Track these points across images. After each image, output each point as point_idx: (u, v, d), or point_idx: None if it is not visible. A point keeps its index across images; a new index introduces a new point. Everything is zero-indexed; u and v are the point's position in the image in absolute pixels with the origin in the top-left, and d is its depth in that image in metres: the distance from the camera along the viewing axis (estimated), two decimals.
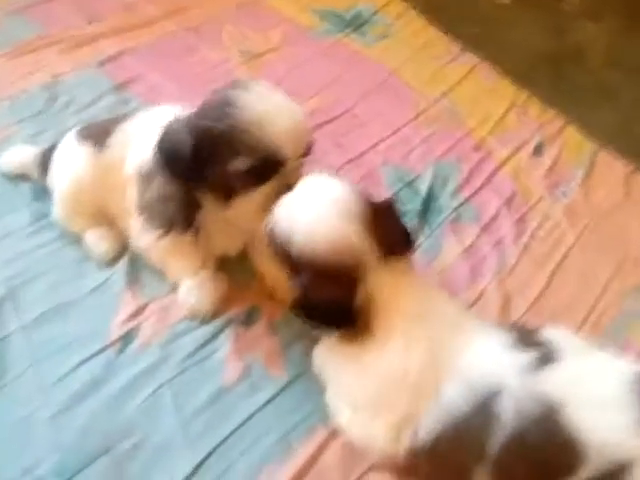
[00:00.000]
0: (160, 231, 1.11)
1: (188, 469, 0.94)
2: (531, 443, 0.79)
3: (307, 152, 1.05)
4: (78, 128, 1.24)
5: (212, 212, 1.08)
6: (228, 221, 1.08)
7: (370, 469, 0.97)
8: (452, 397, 0.83)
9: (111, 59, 1.69)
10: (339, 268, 0.87)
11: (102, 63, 1.67)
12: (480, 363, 0.85)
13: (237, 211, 1.04)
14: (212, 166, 0.99)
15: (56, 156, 1.23)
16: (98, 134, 1.17)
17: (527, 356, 0.83)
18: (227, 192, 1.02)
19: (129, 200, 1.14)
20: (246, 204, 1.02)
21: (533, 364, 0.82)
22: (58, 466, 0.93)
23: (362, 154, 1.53)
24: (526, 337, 0.88)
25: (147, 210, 1.12)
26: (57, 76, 1.62)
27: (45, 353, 1.06)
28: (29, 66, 1.64)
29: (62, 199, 1.21)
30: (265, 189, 1.01)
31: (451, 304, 0.95)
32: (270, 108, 0.99)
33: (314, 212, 0.89)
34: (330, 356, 0.99)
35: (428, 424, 0.84)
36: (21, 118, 1.49)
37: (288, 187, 0.95)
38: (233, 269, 1.20)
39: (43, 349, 1.07)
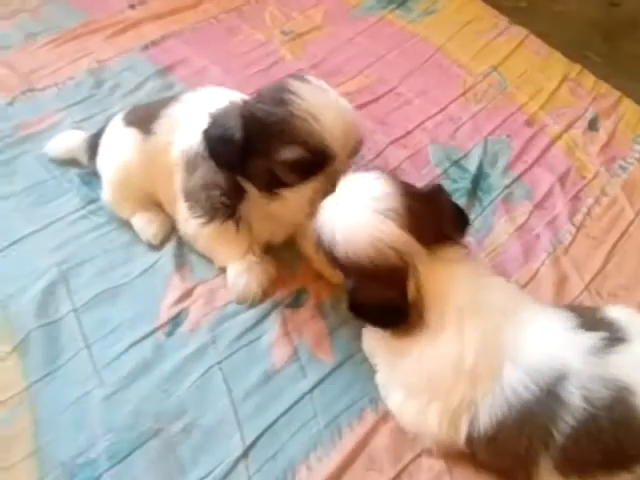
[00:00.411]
0: (204, 219, 1.11)
1: (238, 452, 0.94)
2: (602, 429, 0.76)
3: (356, 151, 1.03)
4: (124, 112, 1.24)
5: (256, 203, 1.07)
6: (271, 213, 1.07)
7: (421, 454, 0.95)
8: (513, 383, 0.81)
9: (155, 43, 1.70)
10: (385, 269, 0.86)
11: (146, 47, 1.68)
12: (542, 347, 0.82)
13: (280, 204, 1.02)
14: (261, 154, 0.98)
15: (103, 141, 1.23)
16: (144, 118, 1.17)
17: (592, 338, 0.80)
18: (272, 183, 1.00)
19: (176, 185, 1.14)
20: (290, 199, 1.00)
21: (600, 346, 0.79)
22: (111, 448, 0.94)
23: (408, 133, 1.49)
24: (589, 318, 0.85)
25: (191, 197, 1.12)
26: (102, 62, 1.63)
27: (97, 336, 1.07)
28: (74, 53, 1.65)
29: (110, 184, 1.21)
30: (311, 185, 0.98)
31: (507, 288, 0.92)
32: (325, 102, 0.98)
33: (354, 215, 0.87)
34: (382, 340, 0.97)
35: (487, 410, 0.82)
36: (68, 104, 1.50)
37: (333, 186, 0.93)
38: (280, 252, 1.19)
39: (95, 332, 1.08)
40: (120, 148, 1.18)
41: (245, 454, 0.94)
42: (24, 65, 1.60)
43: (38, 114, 1.47)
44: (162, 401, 0.99)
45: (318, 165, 0.97)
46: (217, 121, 1.01)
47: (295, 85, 0.98)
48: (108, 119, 1.27)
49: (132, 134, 1.17)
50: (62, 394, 1.00)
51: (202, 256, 1.18)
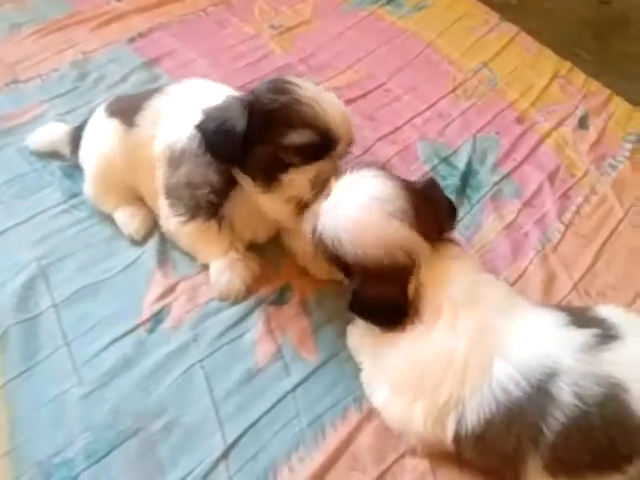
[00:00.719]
0: (185, 217, 1.09)
1: (219, 451, 0.92)
2: (594, 426, 0.75)
3: (353, 141, 1.04)
4: (107, 103, 1.22)
5: (242, 200, 1.06)
6: (258, 210, 1.05)
7: (405, 454, 0.93)
8: (503, 380, 0.79)
9: (141, 35, 1.68)
10: (392, 268, 0.86)
11: (132, 40, 1.66)
12: (533, 344, 0.81)
13: (274, 196, 1.00)
14: (264, 141, 0.97)
15: (86, 132, 1.21)
16: (127, 109, 1.15)
17: (584, 335, 0.79)
18: (273, 169, 0.99)
19: (157, 181, 1.12)
20: (292, 182, 0.98)
21: (591, 343, 0.78)
22: (88, 447, 0.92)
23: (397, 129, 1.47)
24: (579, 316, 0.84)
25: (173, 194, 1.10)
26: (87, 53, 1.61)
27: (77, 332, 1.05)
28: (59, 44, 1.63)
29: (92, 176, 1.19)
30: (313, 168, 0.98)
31: (499, 286, 0.92)
32: (322, 92, 1.01)
33: (363, 216, 0.87)
34: (368, 337, 0.96)
35: (475, 408, 0.81)
36: (51, 96, 1.48)
37: (325, 180, 0.94)
38: (264, 249, 1.17)
39: (75, 328, 1.05)
40: (102, 139, 1.16)
41: (226, 454, 0.92)
42: (8, 56, 1.58)
43: (21, 106, 1.44)
44: (142, 399, 0.97)
45: (323, 149, 0.97)
46: (212, 114, 1.00)
47: (290, 78, 1.01)
48: (92, 112, 1.25)
49: (114, 125, 1.14)
50: (40, 392, 0.97)
51: (185, 252, 1.16)
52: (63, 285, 1.11)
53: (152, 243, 1.18)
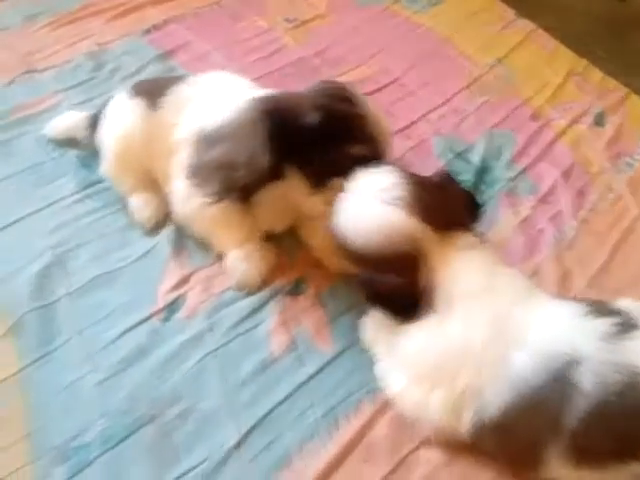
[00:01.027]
0: (211, 198, 1.08)
1: (233, 440, 0.92)
2: (615, 414, 0.74)
3: None
4: (131, 85, 1.22)
5: (271, 191, 1.06)
6: (283, 202, 1.07)
7: (420, 447, 0.93)
8: (523, 368, 0.79)
9: (156, 28, 1.68)
10: (398, 257, 0.87)
11: (147, 32, 1.66)
12: (553, 332, 0.81)
13: (318, 198, 1.03)
14: (329, 145, 0.99)
15: (107, 111, 1.21)
16: (152, 92, 1.16)
17: (604, 323, 0.79)
18: (327, 174, 1.01)
19: (176, 164, 1.12)
20: (335, 190, 0.98)
21: (612, 332, 0.77)
22: (105, 433, 0.92)
23: (412, 124, 1.47)
24: (598, 307, 0.83)
25: (200, 175, 1.08)
26: (102, 45, 1.61)
27: (92, 320, 1.05)
28: (74, 35, 1.64)
29: (111, 154, 1.19)
30: None
31: (516, 277, 0.91)
32: (379, 112, 1.05)
33: (364, 207, 0.90)
34: (383, 327, 0.96)
35: (494, 397, 0.80)
36: (66, 87, 1.48)
37: None
38: (280, 240, 1.17)
39: (90, 316, 1.06)
40: (124, 118, 1.16)
41: (239, 443, 0.92)
42: (23, 47, 1.59)
43: (37, 96, 1.45)
44: (157, 387, 0.97)
45: (375, 161, 0.98)
46: (285, 107, 1.02)
47: (345, 85, 1.07)
48: (106, 102, 1.25)
49: (138, 105, 1.15)
50: (56, 378, 0.98)
51: (200, 242, 1.15)
52: (78, 273, 1.11)
53: (166, 233, 1.18)
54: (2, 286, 1.09)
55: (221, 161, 1.05)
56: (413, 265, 0.87)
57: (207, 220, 1.11)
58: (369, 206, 0.89)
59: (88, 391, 0.97)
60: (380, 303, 0.94)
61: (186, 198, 1.11)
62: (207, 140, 1.08)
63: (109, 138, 1.19)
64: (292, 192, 1.05)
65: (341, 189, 0.95)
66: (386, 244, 0.86)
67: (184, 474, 0.89)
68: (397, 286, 0.88)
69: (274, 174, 1.03)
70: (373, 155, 1.00)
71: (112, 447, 0.91)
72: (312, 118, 0.98)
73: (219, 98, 1.10)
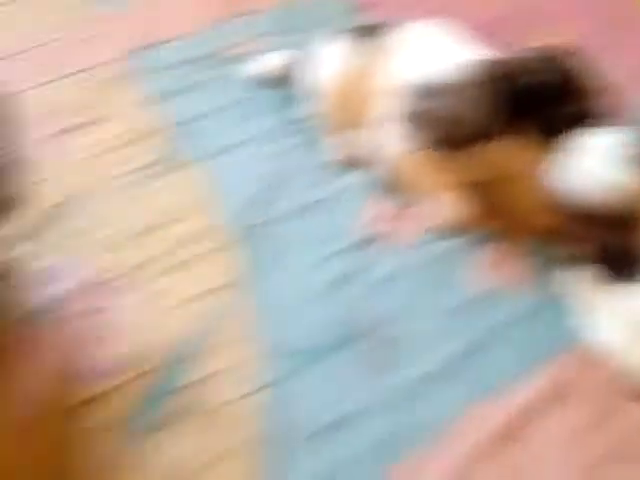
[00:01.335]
0: (425, 145, 1.10)
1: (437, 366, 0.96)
2: None
3: None
4: (348, 28, 1.27)
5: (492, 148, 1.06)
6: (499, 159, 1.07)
7: (633, 399, 0.92)
8: None
9: None
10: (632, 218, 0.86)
11: None
12: None
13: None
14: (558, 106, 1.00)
15: (321, 52, 1.27)
16: (368, 36, 1.22)
17: None
18: (556, 132, 1.00)
19: (388, 108, 1.16)
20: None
21: None
22: (324, 338, 0.99)
23: None
24: None
25: (417, 123, 1.11)
26: None
27: (302, 243, 1.13)
28: None
29: (325, 92, 1.24)
30: None
31: None
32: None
33: (600, 167, 0.89)
34: (596, 283, 0.96)
35: None
36: (264, 32, 1.55)
37: None
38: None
39: (299, 240, 1.13)
40: (341, 59, 1.22)
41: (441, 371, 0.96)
42: None
43: (238, 39, 1.53)
44: (363, 310, 1.02)
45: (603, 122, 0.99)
46: (515, 71, 1.04)
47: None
48: (311, 47, 1.30)
49: (353, 48, 1.21)
50: (275, 288, 1.06)
51: (399, 183, 1.19)
52: (283, 202, 1.19)
53: (364, 172, 1.22)
54: (220, 204, 1.19)
55: (444, 115, 1.08)
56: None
57: (417, 164, 1.14)
58: (603, 165, 0.88)
59: (302, 303, 1.04)
60: (605, 262, 0.93)
61: (398, 142, 1.15)
62: (429, 91, 1.10)
63: (323, 77, 1.25)
64: (513, 153, 1.06)
65: (567, 147, 0.95)
66: (618, 203, 0.86)
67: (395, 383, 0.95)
68: (627, 246, 0.88)
69: (498, 134, 1.05)
70: (595, 114, 0.99)
71: (330, 351, 0.97)
72: (547, 80, 1.00)
73: (441, 49, 1.12)
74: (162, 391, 0.94)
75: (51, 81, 1.45)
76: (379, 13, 1.59)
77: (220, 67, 1.47)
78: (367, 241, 1.12)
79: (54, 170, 1.25)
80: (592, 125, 0.96)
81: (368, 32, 1.23)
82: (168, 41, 1.55)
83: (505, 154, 1.07)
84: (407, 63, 1.15)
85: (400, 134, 1.13)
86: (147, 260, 1.11)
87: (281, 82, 1.38)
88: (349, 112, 1.23)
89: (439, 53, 1.13)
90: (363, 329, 0.99)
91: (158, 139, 1.32)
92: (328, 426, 0.91)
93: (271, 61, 1.41)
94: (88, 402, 0.93)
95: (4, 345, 0.91)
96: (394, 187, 1.19)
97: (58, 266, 1.10)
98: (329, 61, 1.24)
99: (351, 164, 1.24)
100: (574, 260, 1.00)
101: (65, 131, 1.34)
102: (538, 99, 1.01)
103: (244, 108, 1.37)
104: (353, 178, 1.23)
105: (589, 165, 0.90)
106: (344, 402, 0.93)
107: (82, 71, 1.48)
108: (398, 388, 0.94)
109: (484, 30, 1.51)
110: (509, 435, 0.90)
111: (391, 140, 1.16)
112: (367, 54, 1.19)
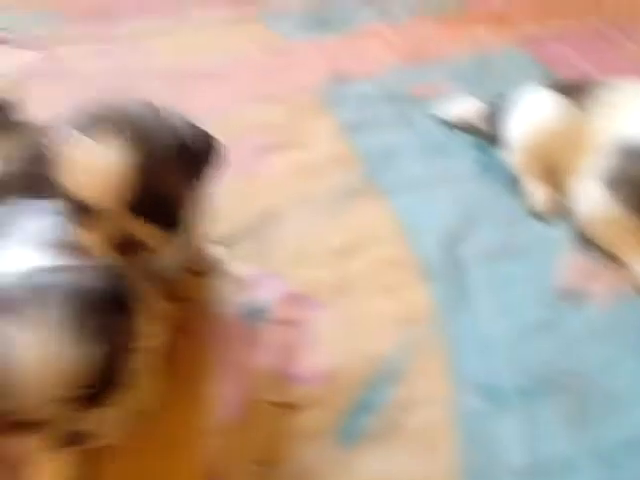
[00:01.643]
0: (624, 209, 1.10)
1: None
2: None
3: None
4: (547, 82, 1.31)
5: None
6: None
7: None
8: None
9: (535, 40, 1.75)
10: None
11: (527, 42, 1.74)
12: None
13: None
14: None
15: (522, 104, 1.30)
16: (573, 91, 1.24)
17: None
18: None
19: (591, 166, 1.17)
20: None
21: None
22: (520, 382, 0.98)
23: None
24: None
25: (619, 186, 1.12)
26: (483, 47, 1.73)
27: (496, 284, 1.13)
28: (457, 35, 1.77)
29: (523, 143, 1.27)
30: None
31: None
32: None
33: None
34: None
35: None
36: (453, 78, 1.62)
37: None
38: None
39: (493, 280, 1.14)
40: (544, 112, 1.24)
41: None
42: (412, 37, 1.76)
43: (427, 81, 1.61)
44: (565, 360, 1.02)
45: None
46: None
47: None
48: (505, 97, 1.35)
49: (559, 102, 1.23)
50: (472, 324, 1.07)
51: (596, 239, 1.18)
52: (478, 242, 1.21)
53: (563, 224, 1.23)
54: (415, 236, 1.22)
55: None
56: None
57: (615, 227, 1.14)
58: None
59: (502, 343, 1.04)
60: None
61: (598, 202, 1.15)
62: (635, 154, 1.11)
63: (524, 128, 1.28)
64: None
65: None
66: None
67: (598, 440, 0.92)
68: None
69: None
70: None
71: (527, 396, 0.97)
72: None
73: None
74: (365, 407, 0.96)
75: (252, 101, 1.56)
76: (566, 69, 1.63)
77: (410, 106, 1.54)
78: (561, 293, 1.12)
79: (253, 184, 1.33)
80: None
81: (571, 88, 1.25)
82: (360, 76, 1.64)
83: None
84: (622, 122, 1.16)
85: (602, 194, 1.14)
86: (345, 278, 1.15)
87: (471, 127, 1.43)
88: (552, 164, 1.26)
89: None
90: (560, 381, 0.99)
91: (352, 166, 1.38)
92: (527, 468, 0.90)
93: (462, 105, 1.46)
94: (292, 407, 0.96)
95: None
96: (590, 242, 1.19)
97: (255, 276, 1.15)
98: (533, 113, 1.27)
99: (549, 215, 1.25)
100: None
101: (265, 149, 1.42)
102: None
103: (436, 147, 1.42)
104: (550, 228, 1.24)
105: None
106: (543, 448, 0.92)
107: (280, 95, 1.58)
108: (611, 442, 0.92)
109: None
110: None
111: (595, 199, 1.16)
112: (575, 110, 1.21)
